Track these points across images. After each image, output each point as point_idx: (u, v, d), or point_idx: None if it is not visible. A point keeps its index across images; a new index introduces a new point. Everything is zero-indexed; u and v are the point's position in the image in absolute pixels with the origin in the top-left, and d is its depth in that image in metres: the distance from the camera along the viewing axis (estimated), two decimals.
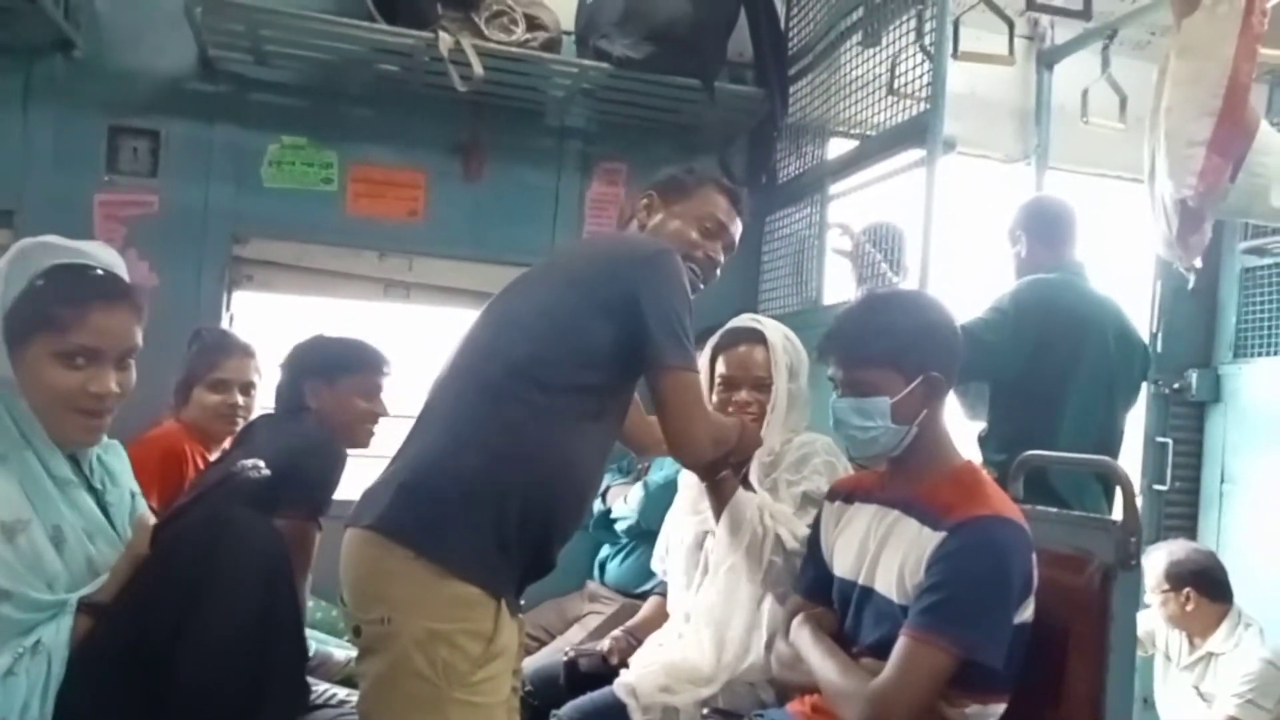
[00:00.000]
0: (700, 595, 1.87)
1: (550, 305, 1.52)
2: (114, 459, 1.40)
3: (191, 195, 2.68)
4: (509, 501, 1.39)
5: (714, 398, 1.92)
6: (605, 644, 2.04)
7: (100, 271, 1.31)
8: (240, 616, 1.27)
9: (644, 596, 2.38)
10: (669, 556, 2.00)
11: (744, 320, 2.00)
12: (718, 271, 1.77)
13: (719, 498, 1.81)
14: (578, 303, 1.51)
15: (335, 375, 1.99)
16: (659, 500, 2.44)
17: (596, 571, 2.72)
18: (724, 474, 1.80)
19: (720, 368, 1.93)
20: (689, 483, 1.97)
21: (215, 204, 2.70)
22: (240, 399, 2.27)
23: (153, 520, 1.34)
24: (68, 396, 1.25)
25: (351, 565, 1.40)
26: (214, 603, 1.25)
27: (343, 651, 2.23)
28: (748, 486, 1.87)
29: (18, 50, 2.55)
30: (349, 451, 1.97)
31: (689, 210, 1.74)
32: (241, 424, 2.21)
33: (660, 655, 1.84)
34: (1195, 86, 2.06)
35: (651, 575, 2.30)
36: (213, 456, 2.21)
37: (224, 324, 2.73)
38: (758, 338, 1.93)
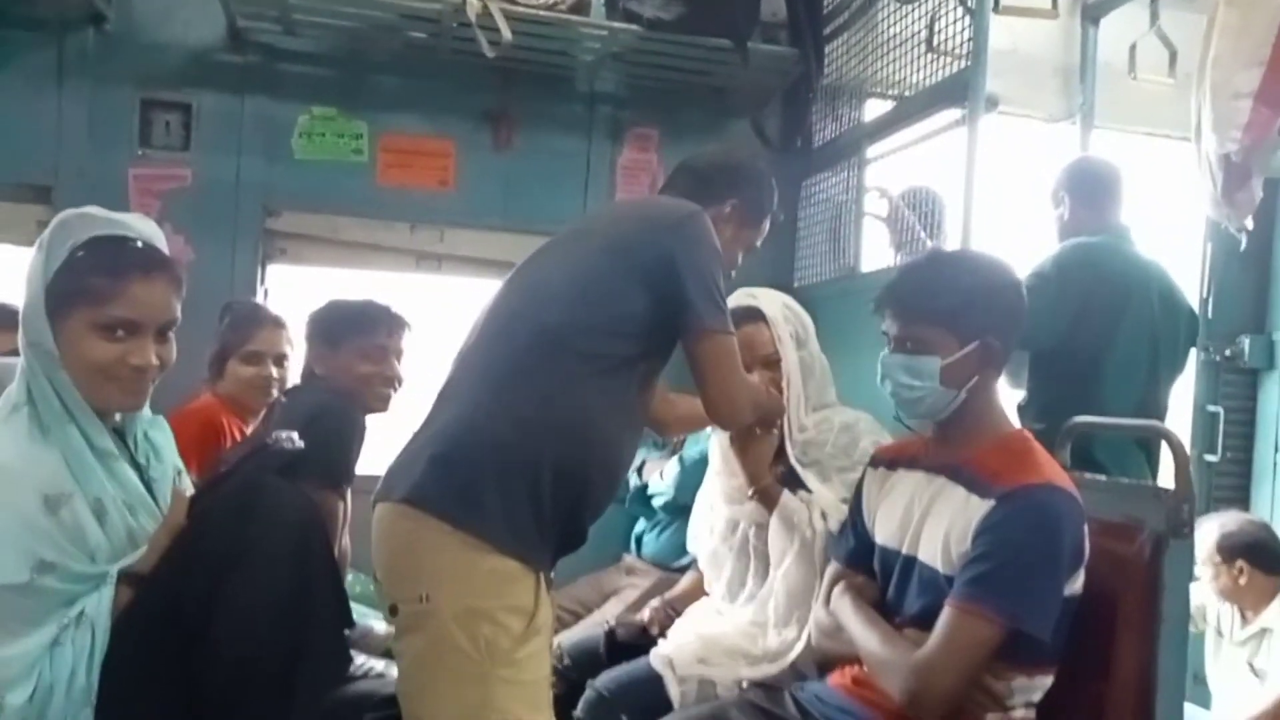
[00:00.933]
0: (751, 590, 1.86)
1: (584, 271, 1.48)
2: (159, 434, 1.40)
3: (224, 168, 2.69)
4: (543, 471, 1.37)
5: None
6: (645, 614, 2.03)
7: (139, 243, 1.30)
8: (273, 584, 1.26)
9: (681, 570, 2.36)
10: (698, 541, 1.99)
11: (739, 298, 1.91)
12: None
13: (768, 503, 1.80)
14: (613, 268, 1.47)
15: (337, 338, 1.96)
16: (695, 475, 2.42)
17: (633, 545, 2.71)
18: (768, 481, 1.81)
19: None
20: (718, 469, 1.94)
21: (247, 176, 2.70)
22: (274, 370, 2.27)
23: (190, 492, 1.34)
24: (107, 368, 1.25)
25: (385, 541, 1.38)
26: (245, 571, 1.24)
27: (384, 625, 2.25)
28: (791, 479, 1.84)
29: (50, 25, 2.56)
30: (379, 418, 1.96)
31: (752, 237, 1.78)
32: (276, 395, 2.21)
33: (698, 628, 1.83)
34: (1242, 36, 1.98)
35: (687, 550, 2.29)
36: (249, 429, 2.22)
37: (258, 298, 2.74)
38: (756, 315, 1.88)
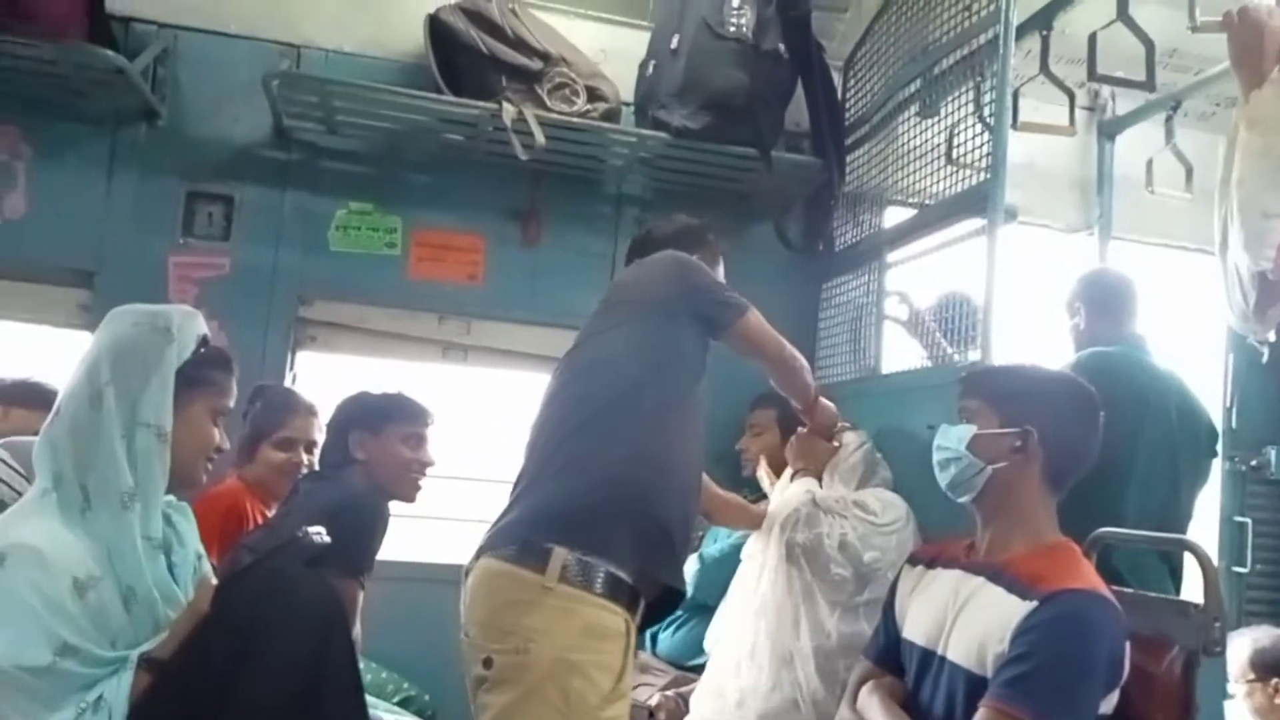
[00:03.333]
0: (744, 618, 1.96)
1: (635, 336, 1.64)
2: (182, 520, 1.43)
3: (261, 257, 2.77)
4: (635, 512, 1.46)
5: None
6: (654, 699, 2.01)
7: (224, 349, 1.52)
8: (287, 677, 1.26)
9: (696, 670, 2.32)
10: (723, 624, 2.00)
11: None
12: None
13: (810, 473, 2.07)
14: (660, 320, 1.65)
15: (379, 425, 2.02)
16: (713, 573, 2.41)
17: (648, 643, 2.67)
18: (815, 469, 2.07)
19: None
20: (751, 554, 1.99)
21: (283, 266, 2.78)
22: (305, 457, 2.30)
23: (214, 580, 1.35)
24: (209, 448, 1.44)
25: (483, 595, 1.43)
26: (261, 663, 1.24)
27: (391, 716, 2.21)
28: None
29: (105, 118, 2.69)
30: (394, 506, 1.98)
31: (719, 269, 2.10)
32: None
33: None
34: (1266, 159, 2.03)
35: (704, 649, 2.25)
36: (271, 513, 2.23)
37: (287, 382, 2.78)
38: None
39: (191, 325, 1.40)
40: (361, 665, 2.22)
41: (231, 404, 1.49)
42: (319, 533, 1.48)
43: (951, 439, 1.55)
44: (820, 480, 2.08)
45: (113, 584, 1.25)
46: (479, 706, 1.41)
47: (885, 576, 1.81)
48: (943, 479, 1.57)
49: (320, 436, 2.35)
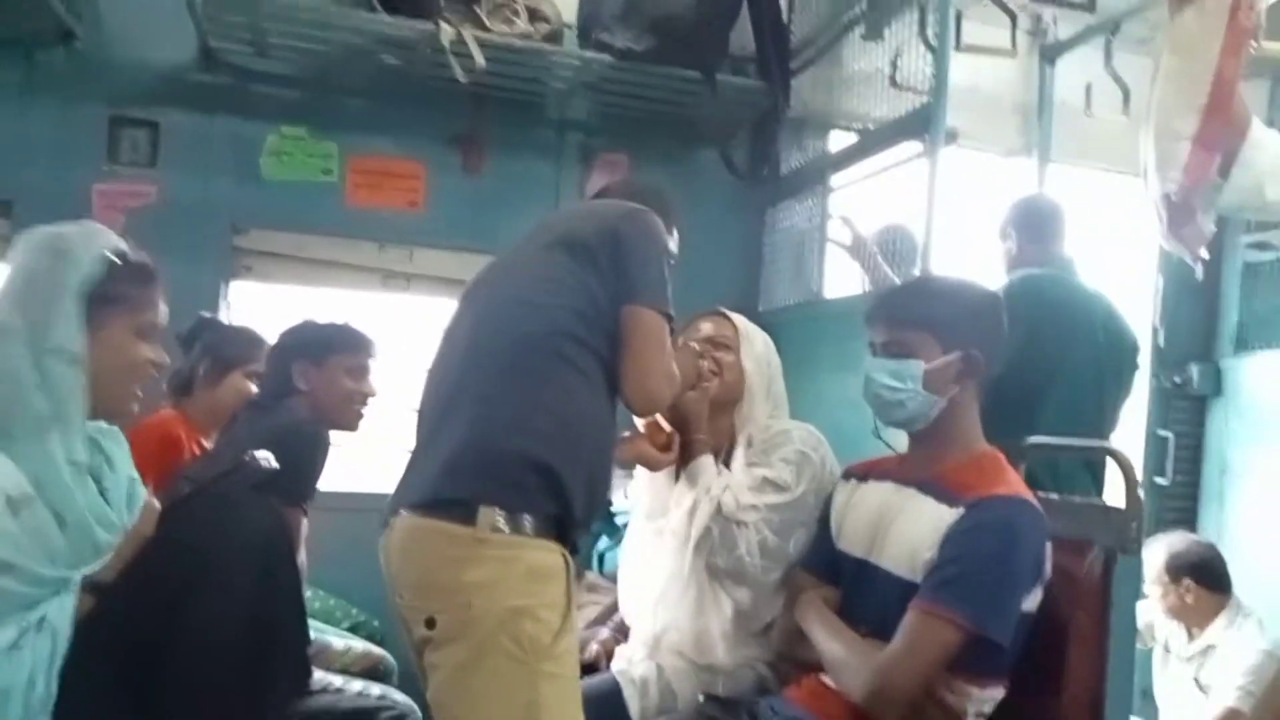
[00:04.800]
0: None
1: (547, 271, 1.51)
2: (113, 445, 1.40)
3: (191, 186, 2.68)
4: (553, 469, 1.39)
5: None
6: (593, 649, 2.01)
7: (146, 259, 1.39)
8: (236, 601, 1.26)
9: None
10: (623, 551, 2.00)
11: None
12: None
13: (688, 456, 1.81)
14: (571, 261, 1.51)
15: (323, 355, 1.99)
16: None
17: (595, 562, 2.71)
18: (701, 435, 1.81)
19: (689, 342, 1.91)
20: (643, 483, 1.96)
21: (215, 194, 2.70)
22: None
23: (158, 505, 1.34)
24: (140, 368, 1.36)
25: (414, 555, 1.37)
26: (209, 588, 1.24)
27: (341, 641, 2.23)
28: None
29: (19, 42, 2.55)
30: (336, 435, 1.97)
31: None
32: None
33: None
34: (1182, 82, 2.07)
35: None
36: (209, 444, 2.21)
37: (222, 313, 2.72)
38: (717, 313, 1.95)
39: (94, 242, 1.32)
40: (310, 593, 2.26)
41: (158, 318, 1.38)
42: (266, 458, 1.46)
43: (898, 378, 1.51)
44: (720, 450, 1.88)
45: (45, 506, 1.23)
46: (428, 666, 1.37)
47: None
48: (889, 416, 1.57)
49: None
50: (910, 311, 1.56)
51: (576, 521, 1.43)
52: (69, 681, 1.17)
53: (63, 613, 1.19)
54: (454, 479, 1.37)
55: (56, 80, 2.59)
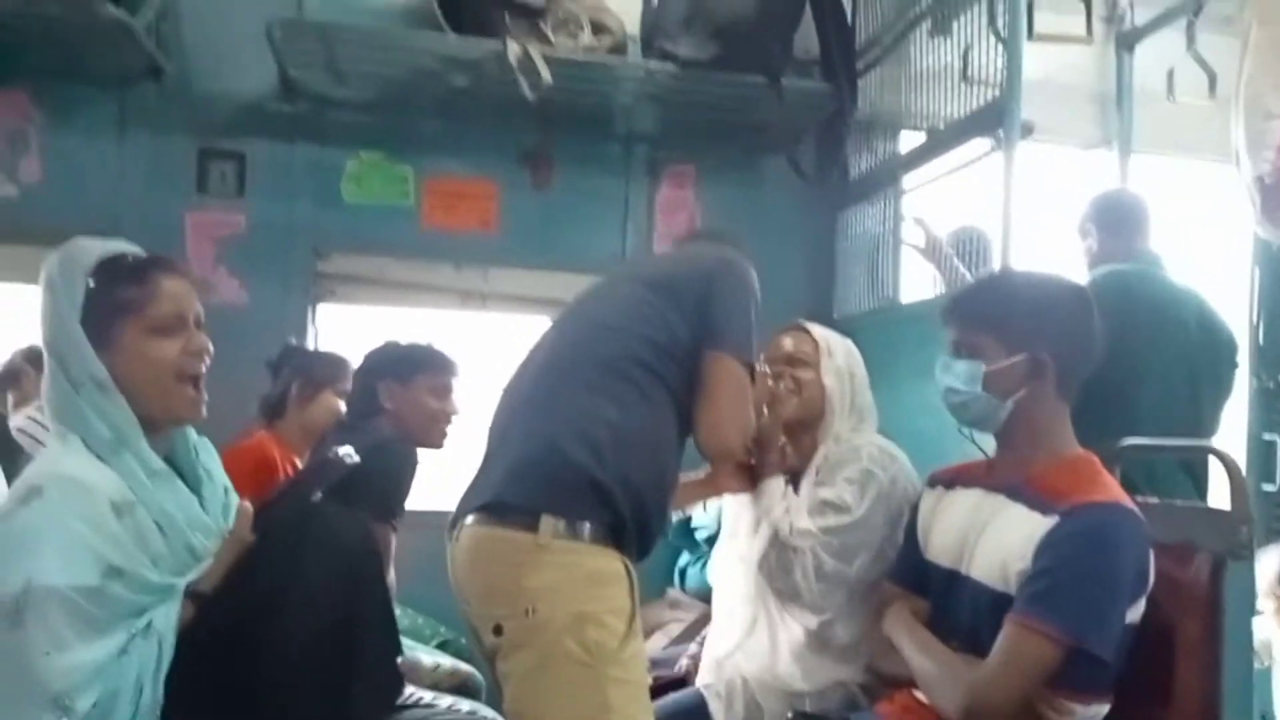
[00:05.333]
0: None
1: (633, 306, 1.54)
2: (207, 456, 1.44)
3: (276, 213, 2.78)
4: (614, 487, 1.41)
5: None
6: (682, 664, 2.02)
7: (140, 252, 1.36)
8: (324, 610, 1.27)
9: None
10: (719, 565, 1.99)
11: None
12: None
13: (756, 479, 1.82)
14: (658, 300, 1.54)
15: (408, 375, 2.04)
16: None
17: (677, 578, 2.71)
18: (771, 459, 1.82)
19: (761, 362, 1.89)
20: (728, 502, 1.95)
21: (298, 221, 2.79)
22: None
23: (250, 507, 1.35)
24: (173, 364, 1.30)
25: (479, 562, 1.41)
26: (298, 596, 1.26)
27: (430, 658, 2.27)
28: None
29: (113, 79, 2.68)
30: (423, 453, 2.01)
31: None
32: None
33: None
34: (1273, 55, 1.96)
35: None
36: (302, 464, 2.27)
37: (309, 338, 2.81)
38: (797, 328, 1.92)
39: (74, 260, 1.28)
40: (399, 611, 2.29)
41: (176, 308, 1.30)
42: (348, 453, 1.48)
43: (961, 379, 1.48)
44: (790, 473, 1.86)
45: (145, 510, 1.26)
46: (501, 676, 1.40)
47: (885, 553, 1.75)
48: (960, 417, 1.54)
49: None
50: (977, 311, 1.52)
51: (630, 532, 1.43)
52: (174, 687, 1.21)
53: (168, 620, 1.22)
54: (515, 488, 1.40)
55: (148, 115, 2.71)
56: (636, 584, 1.42)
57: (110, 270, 1.29)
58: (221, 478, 1.45)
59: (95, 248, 1.31)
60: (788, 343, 1.89)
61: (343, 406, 2.28)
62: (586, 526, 1.38)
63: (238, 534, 1.31)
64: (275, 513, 1.35)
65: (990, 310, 1.50)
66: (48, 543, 1.17)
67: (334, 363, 2.37)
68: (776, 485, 1.79)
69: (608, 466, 1.40)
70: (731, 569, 1.89)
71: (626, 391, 1.46)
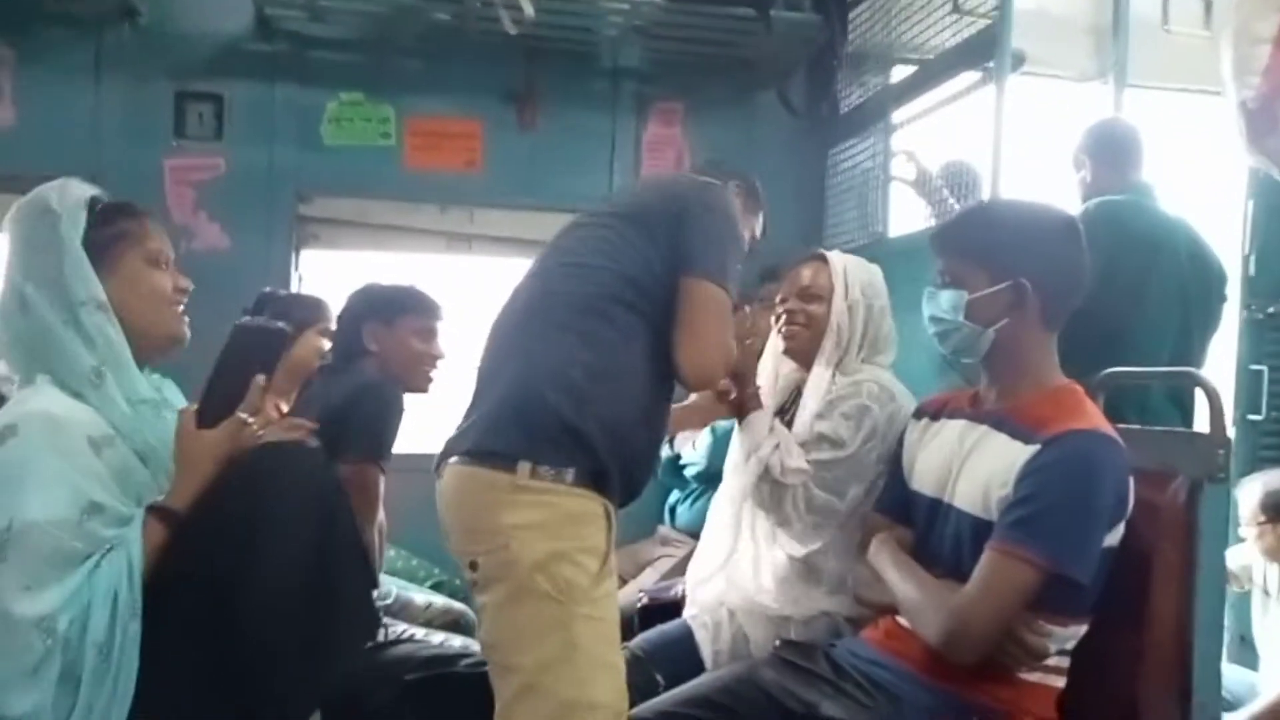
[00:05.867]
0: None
1: (609, 241, 1.52)
2: (170, 392, 1.45)
3: (256, 156, 2.74)
4: (595, 427, 1.40)
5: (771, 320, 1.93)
6: (679, 589, 2.04)
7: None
8: (295, 553, 1.27)
9: None
10: (714, 501, 2.01)
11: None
12: None
13: (743, 412, 1.81)
14: (636, 234, 1.51)
15: (393, 317, 2.02)
16: (727, 444, 2.43)
17: (667, 516, 2.73)
18: (753, 389, 1.82)
19: (777, 294, 1.92)
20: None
21: (279, 164, 2.75)
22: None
23: (192, 406, 1.34)
24: (167, 294, 1.39)
25: (458, 500, 1.42)
26: (267, 541, 1.26)
27: (423, 597, 2.30)
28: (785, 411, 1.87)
29: (88, 21, 2.62)
30: (412, 398, 2.00)
31: (752, 224, 1.84)
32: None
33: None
34: None
35: None
36: (285, 407, 2.27)
37: (293, 282, 2.79)
38: (818, 258, 1.89)
39: (71, 193, 1.34)
40: (392, 552, 2.32)
41: (165, 248, 1.40)
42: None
43: (944, 307, 1.48)
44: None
45: (125, 444, 1.29)
46: (477, 609, 1.44)
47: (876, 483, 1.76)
48: (944, 346, 1.53)
49: None
50: (962, 240, 1.51)
51: (612, 475, 1.43)
52: (161, 606, 1.22)
53: (133, 532, 1.24)
54: (496, 433, 1.40)
55: (124, 58, 2.66)
56: (614, 525, 1.43)
57: (106, 204, 1.37)
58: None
59: (86, 185, 1.38)
60: (805, 274, 1.87)
61: (326, 345, 2.27)
62: (570, 473, 1.39)
63: (185, 436, 1.30)
64: (213, 411, 1.33)
65: (975, 239, 1.49)
66: (29, 479, 1.20)
67: (312, 304, 2.35)
68: (762, 420, 1.79)
69: (586, 411, 1.40)
70: (720, 500, 1.91)
71: (603, 330, 1.45)
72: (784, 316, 1.87)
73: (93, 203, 1.35)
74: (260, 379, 1.36)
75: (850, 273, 1.86)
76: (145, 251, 1.37)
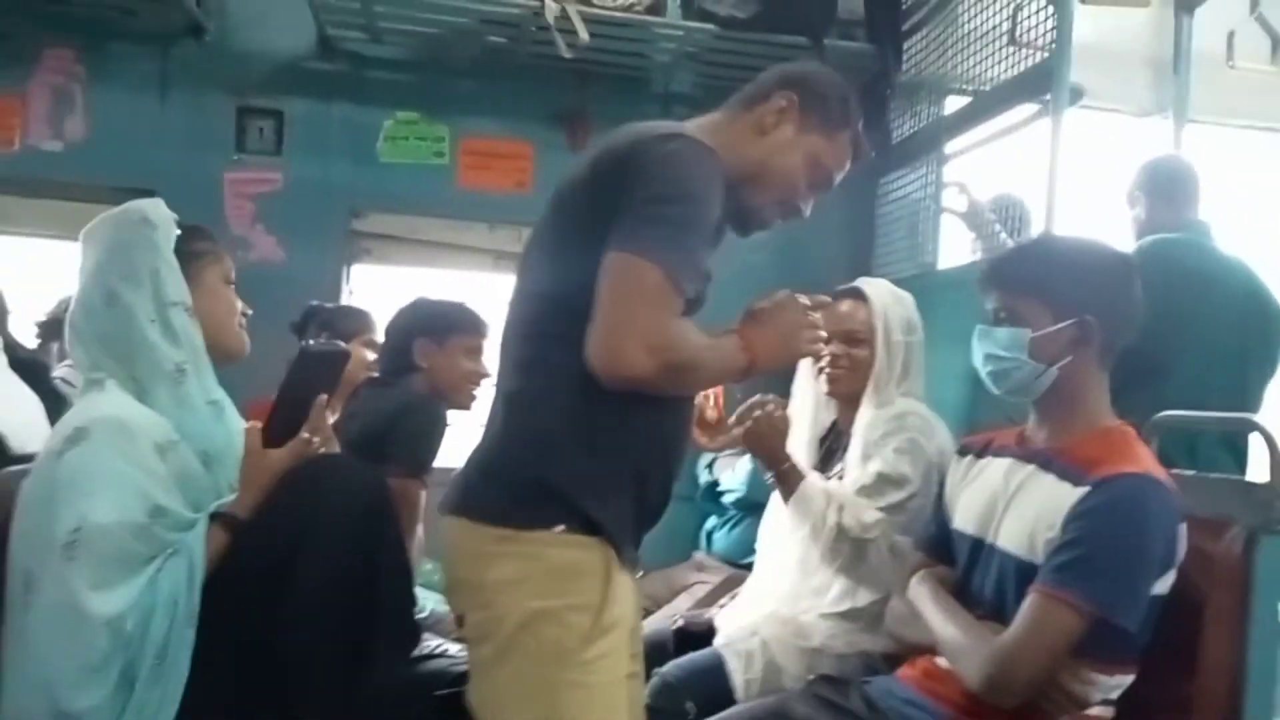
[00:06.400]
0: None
1: (545, 250, 1.29)
2: (227, 405, 1.50)
3: (313, 172, 2.80)
4: (588, 473, 1.24)
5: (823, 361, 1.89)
6: (713, 611, 2.03)
7: None
8: (340, 565, 1.31)
9: (751, 567, 2.35)
10: (763, 524, 1.99)
11: (850, 283, 1.94)
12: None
13: (785, 486, 1.78)
14: (561, 230, 1.25)
15: (444, 334, 2.04)
16: None
17: (704, 541, 2.71)
18: (787, 464, 1.77)
19: None
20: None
21: (335, 180, 2.81)
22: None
23: (257, 424, 1.40)
24: (235, 309, 1.52)
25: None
26: (314, 551, 1.30)
27: None
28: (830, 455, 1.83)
29: (154, 37, 2.71)
30: (454, 414, 2.03)
31: (819, 148, 1.36)
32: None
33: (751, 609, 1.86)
34: None
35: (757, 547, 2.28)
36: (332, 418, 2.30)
37: (344, 296, 2.84)
38: (857, 294, 1.88)
39: (161, 210, 1.45)
40: (429, 565, 2.33)
41: (233, 270, 1.54)
42: (325, 338, 1.55)
43: (1004, 345, 1.43)
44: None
45: (188, 447, 1.35)
46: (470, 665, 1.30)
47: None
48: (1000, 385, 1.48)
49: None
50: (1021, 276, 1.47)
51: (610, 516, 1.25)
52: (208, 610, 1.27)
53: (196, 538, 1.29)
54: (472, 490, 1.27)
55: (189, 73, 2.74)
56: (615, 575, 1.25)
57: (188, 225, 1.48)
58: (237, 422, 1.49)
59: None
60: (844, 313, 1.86)
61: (371, 357, 2.31)
62: (559, 527, 1.22)
63: (251, 452, 1.37)
64: (278, 431, 1.39)
65: (1036, 274, 1.46)
66: (99, 482, 1.25)
67: (357, 316, 2.40)
68: (814, 490, 1.77)
69: (564, 465, 1.22)
70: (776, 540, 1.90)
71: (557, 389, 1.22)
72: (825, 360, 1.86)
73: (178, 221, 1.46)
74: (323, 398, 1.42)
75: (890, 313, 1.85)
76: (223, 270, 1.50)
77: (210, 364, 1.43)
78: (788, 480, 1.79)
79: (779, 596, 1.83)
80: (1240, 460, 2.17)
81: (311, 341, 1.59)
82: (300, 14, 2.64)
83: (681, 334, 1.18)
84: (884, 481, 1.74)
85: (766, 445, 1.79)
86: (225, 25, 2.75)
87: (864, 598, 1.74)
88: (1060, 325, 1.42)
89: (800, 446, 1.92)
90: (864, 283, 1.93)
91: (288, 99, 2.79)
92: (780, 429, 1.79)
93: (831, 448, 1.95)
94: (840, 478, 1.84)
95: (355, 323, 2.37)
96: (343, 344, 1.55)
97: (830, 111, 1.36)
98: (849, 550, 1.72)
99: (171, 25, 2.68)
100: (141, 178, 2.70)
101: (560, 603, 1.21)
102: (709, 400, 2.22)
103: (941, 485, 1.64)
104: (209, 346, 1.43)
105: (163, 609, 1.24)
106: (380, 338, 2.32)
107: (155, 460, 1.30)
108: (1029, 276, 1.46)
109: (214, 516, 1.32)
